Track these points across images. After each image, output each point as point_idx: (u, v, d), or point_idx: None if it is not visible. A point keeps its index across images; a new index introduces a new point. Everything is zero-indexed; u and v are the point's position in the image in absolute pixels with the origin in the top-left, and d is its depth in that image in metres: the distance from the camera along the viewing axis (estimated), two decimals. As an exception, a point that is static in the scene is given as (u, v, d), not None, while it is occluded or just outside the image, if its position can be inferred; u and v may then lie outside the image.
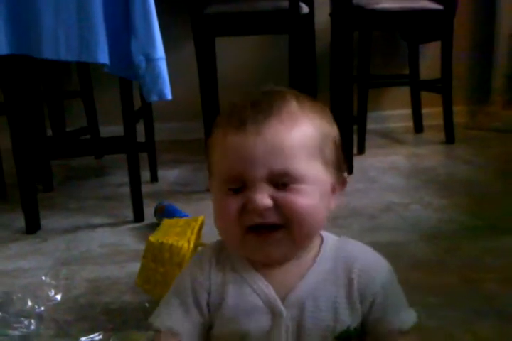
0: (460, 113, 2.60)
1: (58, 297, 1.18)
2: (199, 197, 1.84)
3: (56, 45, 1.42)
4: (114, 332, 1.04)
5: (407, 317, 0.67)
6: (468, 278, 1.21)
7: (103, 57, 1.43)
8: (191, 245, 1.05)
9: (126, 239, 1.54)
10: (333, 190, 0.65)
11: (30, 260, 1.42)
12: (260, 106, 0.61)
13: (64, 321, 1.10)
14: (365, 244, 0.70)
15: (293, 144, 0.59)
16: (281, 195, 0.59)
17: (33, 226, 1.61)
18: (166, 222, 1.20)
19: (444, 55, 2.34)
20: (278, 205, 0.59)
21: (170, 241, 1.05)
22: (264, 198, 0.59)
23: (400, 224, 1.56)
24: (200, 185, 1.96)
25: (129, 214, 1.69)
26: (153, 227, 1.59)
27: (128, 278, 1.27)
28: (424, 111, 2.68)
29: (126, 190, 1.81)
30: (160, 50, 1.47)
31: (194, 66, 1.94)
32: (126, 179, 1.97)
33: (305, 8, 1.97)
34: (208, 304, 0.66)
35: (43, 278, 1.24)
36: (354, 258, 0.66)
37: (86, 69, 2.30)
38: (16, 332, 1.03)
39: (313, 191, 0.61)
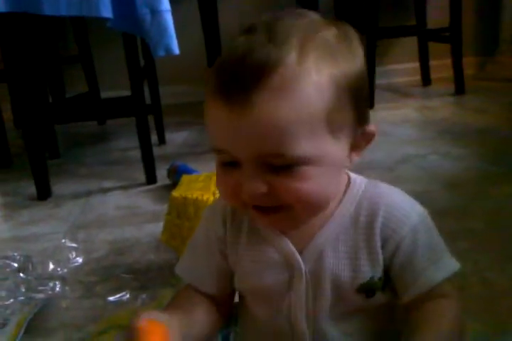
0: (468, 64, 2.53)
1: (80, 259, 1.16)
2: (211, 156, 1.78)
3: (56, 0, 1.35)
4: (142, 290, 1.02)
5: (443, 268, 0.57)
6: (494, 222, 1.18)
7: (106, 11, 1.36)
8: (216, 198, 1.01)
9: (141, 201, 1.51)
10: (353, 149, 0.55)
11: (44, 225, 1.39)
12: (251, 62, 0.47)
13: (89, 282, 1.07)
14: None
15: (287, 120, 0.48)
16: (277, 179, 0.50)
17: (44, 193, 1.57)
18: (186, 177, 1.16)
19: (453, 2, 2.26)
20: (274, 191, 0.51)
21: (194, 196, 1.01)
22: (254, 184, 0.50)
23: (419, 175, 1.53)
24: (209, 146, 1.91)
25: (141, 176, 1.65)
26: (167, 188, 1.56)
27: (149, 238, 1.25)
28: (432, 63, 2.61)
29: (134, 153, 1.77)
30: (165, 2, 1.40)
31: (197, 24, 1.87)
32: (133, 143, 1.94)
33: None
34: (226, 256, 0.63)
35: (63, 241, 1.21)
36: (379, 200, 0.58)
37: (84, 32, 2.22)
38: (41, 295, 1.00)
39: (318, 172, 0.51)
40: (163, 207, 1.39)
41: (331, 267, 0.57)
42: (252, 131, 0.48)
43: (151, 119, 1.94)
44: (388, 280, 0.58)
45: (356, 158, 0.56)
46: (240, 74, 0.48)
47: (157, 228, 1.24)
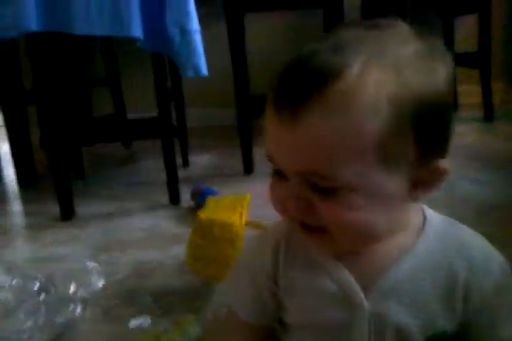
0: (496, 90, 2.50)
1: (101, 282, 1.13)
2: (235, 180, 1.79)
3: (88, 20, 1.36)
4: (164, 315, 0.99)
5: None
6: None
7: (137, 30, 1.37)
8: (243, 221, 0.99)
9: (164, 223, 1.49)
10: (418, 185, 0.48)
11: (68, 246, 1.37)
12: (305, 72, 0.44)
13: (110, 306, 1.04)
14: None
15: (332, 141, 0.44)
16: (320, 200, 0.47)
17: (68, 213, 1.57)
18: (211, 199, 1.15)
19: (482, 27, 2.25)
20: (317, 211, 0.48)
21: (220, 218, 0.99)
22: (296, 200, 0.48)
23: (449, 200, 1.49)
24: (234, 169, 1.90)
25: (164, 198, 1.64)
26: (191, 211, 1.54)
27: (172, 260, 1.22)
28: (459, 88, 2.58)
29: (158, 175, 1.77)
30: (195, 22, 1.41)
31: (224, 46, 1.87)
32: (157, 165, 1.93)
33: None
34: (276, 290, 0.58)
35: (85, 263, 1.19)
36: (465, 246, 0.52)
37: (112, 54, 2.25)
38: (61, 319, 0.98)
39: (365, 202, 0.46)
40: (187, 230, 1.36)
41: (400, 312, 0.51)
42: (296, 146, 0.45)
43: (176, 141, 1.95)
44: (462, 334, 0.54)
45: (422, 195, 0.49)
46: (293, 84, 0.45)
47: (180, 250, 1.22)
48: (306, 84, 0.44)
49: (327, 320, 0.54)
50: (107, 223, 1.52)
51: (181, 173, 1.89)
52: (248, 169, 1.84)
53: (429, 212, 0.55)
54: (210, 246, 1.00)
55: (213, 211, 1.04)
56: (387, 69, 0.44)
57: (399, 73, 0.44)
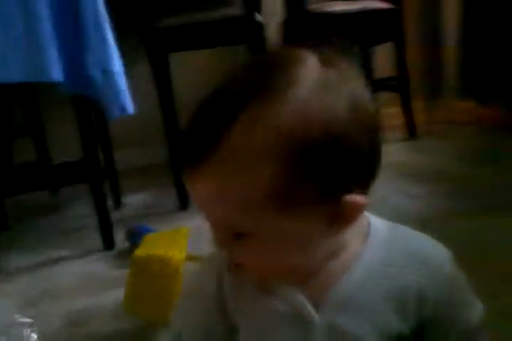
0: (417, 109, 2.59)
1: (35, 335, 1.04)
2: (172, 217, 1.73)
3: (5, 66, 1.30)
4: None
5: (473, 313, 0.54)
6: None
7: (56, 73, 1.32)
8: (182, 255, 0.94)
9: (99, 268, 1.42)
10: (335, 220, 0.47)
11: (-7, 302, 1.27)
12: (198, 138, 0.46)
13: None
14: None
15: (223, 195, 0.45)
16: (237, 243, 0.48)
17: (-9, 268, 1.46)
18: (148, 237, 1.10)
19: (399, 53, 2.35)
20: (236, 255, 0.50)
21: (158, 253, 0.94)
22: (217, 243, 0.50)
23: (386, 213, 1.50)
24: (169, 206, 1.84)
25: (98, 242, 1.56)
26: (126, 253, 1.47)
27: (110, 306, 1.15)
28: (382, 111, 2.66)
29: (89, 220, 1.69)
30: (117, 63, 1.38)
31: (150, 84, 1.84)
32: (87, 210, 1.86)
33: (258, 16, 1.91)
34: (225, 314, 0.56)
35: (15, 316, 1.09)
36: (413, 251, 0.52)
37: (32, 101, 2.16)
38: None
39: (276, 247, 0.48)
40: (124, 272, 1.29)
41: (353, 322, 0.50)
42: (197, 193, 0.47)
43: (106, 184, 1.88)
44: (419, 336, 0.52)
45: (344, 228, 0.48)
46: (188, 143, 0.47)
47: (118, 294, 1.15)
48: (196, 147, 0.46)
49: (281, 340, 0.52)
50: (35, 274, 1.43)
51: (114, 215, 1.81)
52: (184, 204, 1.79)
53: (373, 219, 0.54)
54: (149, 285, 0.95)
55: (150, 247, 0.99)
56: (271, 119, 0.43)
57: (281, 121, 0.43)
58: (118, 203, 1.96)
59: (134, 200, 2.01)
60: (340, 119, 0.44)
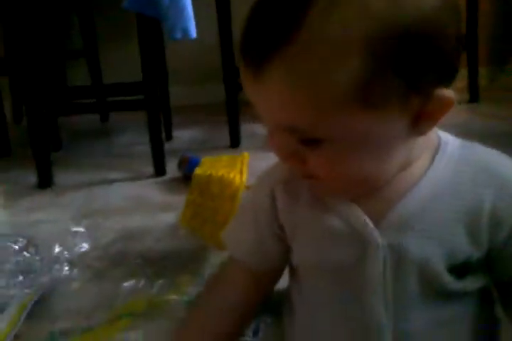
0: (481, 74, 2.48)
1: (86, 245, 1.06)
2: (221, 153, 1.70)
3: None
4: (158, 277, 0.92)
5: None
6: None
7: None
8: (244, 177, 0.92)
9: (150, 192, 1.41)
10: (420, 118, 0.43)
11: (47, 212, 1.29)
12: (265, 32, 0.40)
13: (98, 267, 0.97)
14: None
15: (300, 92, 0.40)
16: (306, 151, 0.44)
17: (45, 182, 1.48)
18: (207, 159, 1.08)
19: (470, 10, 2.23)
20: (305, 163, 0.45)
21: (220, 173, 0.92)
22: (280, 154, 0.46)
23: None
24: (220, 143, 1.82)
25: (149, 169, 1.56)
26: (177, 181, 1.47)
27: (161, 226, 1.15)
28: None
29: (141, 148, 1.69)
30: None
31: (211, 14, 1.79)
32: (138, 139, 1.87)
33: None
34: (279, 232, 0.55)
35: (69, 226, 1.11)
36: (487, 169, 0.47)
37: (91, 26, 2.14)
38: (46, 278, 0.90)
39: (355, 150, 0.43)
40: (174, 198, 1.30)
41: (418, 242, 0.47)
42: (268, 102, 0.43)
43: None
44: (489, 261, 0.49)
45: (427, 128, 0.44)
46: (252, 39, 0.41)
47: (168, 218, 1.16)
48: (265, 38, 0.40)
49: (337, 260, 0.50)
50: (88, 191, 1.44)
51: (165, 146, 1.83)
52: (235, 143, 1.77)
53: (443, 136, 0.50)
54: (207, 203, 0.94)
55: (211, 167, 0.98)
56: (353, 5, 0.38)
57: (366, 8, 0.38)
58: (169, 137, 1.95)
59: (185, 135, 2.00)
60: (430, 4, 0.39)
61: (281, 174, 0.53)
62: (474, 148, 0.50)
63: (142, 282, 0.91)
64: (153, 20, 1.46)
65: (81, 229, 1.09)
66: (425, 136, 0.45)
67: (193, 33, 1.38)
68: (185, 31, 1.37)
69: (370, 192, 0.48)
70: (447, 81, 0.43)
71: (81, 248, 1.04)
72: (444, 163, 0.48)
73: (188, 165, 1.45)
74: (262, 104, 0.43)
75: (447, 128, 1.82)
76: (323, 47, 0.38)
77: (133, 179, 1.52)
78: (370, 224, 0.47)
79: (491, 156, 0.49)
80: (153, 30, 1.53)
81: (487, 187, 0.47)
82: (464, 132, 1.82)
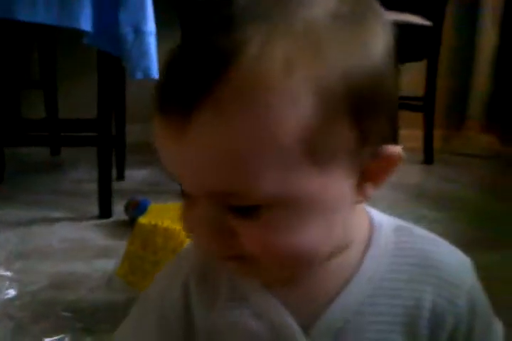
0: (436, 136, 2.54)
1: (13, 291, 0.97)
2: (173, 196, 1.66)
3: (33, 5, 1.24)
4: (86, 333, 0.85)
5: (498, 331, 0.46)
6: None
7: (86, 23, 1.26)
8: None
9: (92, 235, 1.34)
10: (366, 179, 0.38)
11: (-24, 252, 1.20)
12: (190, 62, 0.34)
13: (21, 318, 0.89)
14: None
15: (238, 148, 0.33)
16: (238, 223, 0.36)
17: (-20, 216, 1.39)
18: (155, 206, 1.03)
19: (430, 73, 2.29)
20: (235, 238, 0.36)
21: (165, 224, 0.87)
22: (205, 227, 0.36)
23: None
24: (172, 185, 1.76)
25: (94, 209, 1.48)
26: (122, 224, 1.41)
27: (98, 274, 1.08)
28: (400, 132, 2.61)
29: (88, 186, 1.63)
30: (151, 23, 1.32)
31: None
32: (87, 175, 1.80)
33: None
34: (190, 335, 0.44)
35: (-2, 268, 1.03)
36: (423, 258, 0.43)
37: (52, 57, 2.10)
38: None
39: (298, 218, 0.36)
40: (115, 243, 1.23)
41: None
42: (190, 160, 0.34)
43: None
44: None
45: (372, 190, 0.38)
46: (175, 80, 0.34)
47: (108, 265, 1.09)
48: (191, 78, 0.33)
49: None
50: (26, 230, 1.35)
51: (115, 186, 1.75)
52: (188, 188, 1.72)
53: (376, 216, 0.44)
54: (148, 256, 0.88)
55: (155, 217, 0.92)
56: (298, 45, 0.33)
57: (316, 46, 0.33)
58: (121, 176, 1.89)
59: (138, 175, 1.94)
60: (379, 58, 0.36)
61: (197, 259, 0.44)
62: (410, 233, 0.44)
63: (67, 338, 0.83)
64: (115, 57, 1.43)
65: (8, 274, 1.00)
66: (361, 209, 0.41)
67: (155, 73, 1.35)
68: (147, 71, 1.34)
69: (301, 277, 0.41)
70: (394, 136, 0.39)
71: (6, 294, 0.95)
72: (379, 254, 0.42)
73: (136, 209, 1.39)
74: (186, 168, 0.35)
75: (403, 189, 1.80)
76: (262, 89, 0.32)
77: (76, 219, 1.45)
78: (298, 330, 0.41)
79: (427, 244, 0.44)
80: (113, 67, 1.49)
81: (423, 282, 0.42)
82: (418, 193, 1.82)
